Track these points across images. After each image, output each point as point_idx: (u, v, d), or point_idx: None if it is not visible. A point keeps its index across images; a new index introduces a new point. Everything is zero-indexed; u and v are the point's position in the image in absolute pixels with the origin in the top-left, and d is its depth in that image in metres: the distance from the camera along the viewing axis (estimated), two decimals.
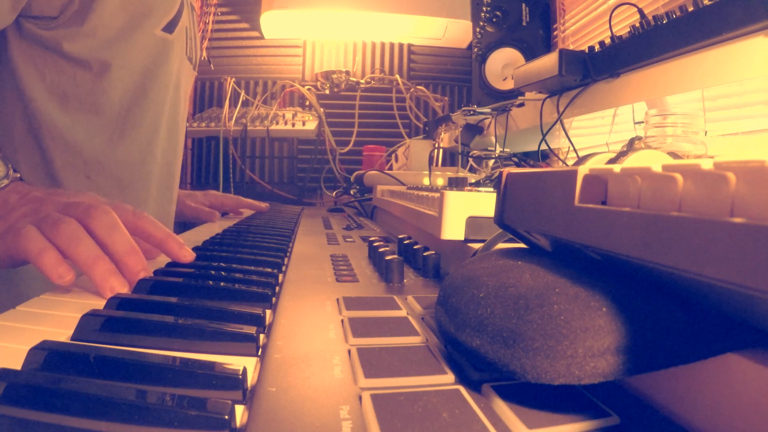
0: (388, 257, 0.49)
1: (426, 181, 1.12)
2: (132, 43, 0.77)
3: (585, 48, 0.84)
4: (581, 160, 0.60)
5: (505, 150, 1.03)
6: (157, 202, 0.89)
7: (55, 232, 0.41)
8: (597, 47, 0.81)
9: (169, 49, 0.84)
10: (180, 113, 0.94)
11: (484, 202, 0.49)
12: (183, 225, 1.09)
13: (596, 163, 0.55)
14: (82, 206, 0.44)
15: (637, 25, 0.72)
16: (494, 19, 1.33)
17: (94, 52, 0.73)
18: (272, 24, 1.82)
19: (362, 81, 1.89)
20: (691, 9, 0.63)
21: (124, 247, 0.43)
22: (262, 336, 0.31)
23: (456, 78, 1.97)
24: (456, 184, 0.60)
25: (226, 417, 0.20)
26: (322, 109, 1.79)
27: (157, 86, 0.84)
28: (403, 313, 0.36)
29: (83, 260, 0.40)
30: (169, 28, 0.83)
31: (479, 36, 1.36)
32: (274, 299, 0.40)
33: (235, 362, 0.25)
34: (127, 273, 0.42)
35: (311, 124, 1.74)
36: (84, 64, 0.73)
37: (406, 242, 0.59)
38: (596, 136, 1.06)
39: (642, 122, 0.69)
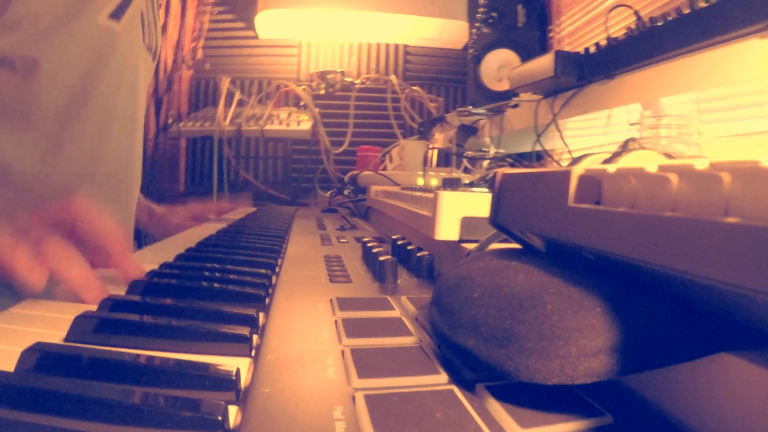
0: (382, 258, 0.48)
1: (420, 182, 1.12)
2: (68, 35, 0.63)
3: (581, 50, 0.84)
4: (575, 161, 0.60)
5: (500, 151, 1.03)
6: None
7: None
8: (592, 49, 0.82)
9: (117, 42, 0.69)
10: (138, 117, 0.79)
11: (478, 203, 0.49)
12: None
13: (591, 164, 0.55)
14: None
15: (633, 26, 0.73)
16: (490, 20, 1.34)
17: (18, 48, 0.60)
18: (268, 24, 1.82)
19: (357, 81, 1.89)
20: (686, 11, 0.63)
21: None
22: (255, 337, 0.31)
23: (451, 79, 1.97)
24: (450, 184, 0.60)
25: (220, 418, 0.20)
26: (317, 109, 1.79)
27: (102, 88, 0.69)
28: (396, 313, 0.36)
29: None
30: (117, 14, 0.68)
31: (475, 37, 1.36)
32: (267, 300, 0.40)
33: (228, 363, 0.25)
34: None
35: (306, 124, 1.74)
36: (6, 63, 0.60)
37: (399, 243, 0.59)
38: (591, 137, 1.06)
39: (636, 123, 0.70)
